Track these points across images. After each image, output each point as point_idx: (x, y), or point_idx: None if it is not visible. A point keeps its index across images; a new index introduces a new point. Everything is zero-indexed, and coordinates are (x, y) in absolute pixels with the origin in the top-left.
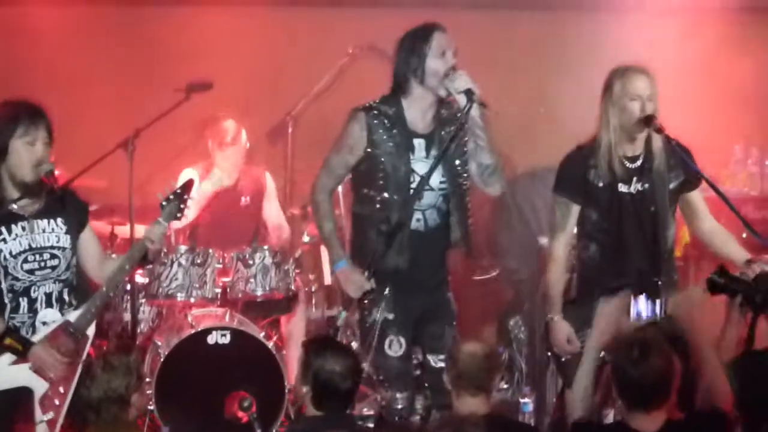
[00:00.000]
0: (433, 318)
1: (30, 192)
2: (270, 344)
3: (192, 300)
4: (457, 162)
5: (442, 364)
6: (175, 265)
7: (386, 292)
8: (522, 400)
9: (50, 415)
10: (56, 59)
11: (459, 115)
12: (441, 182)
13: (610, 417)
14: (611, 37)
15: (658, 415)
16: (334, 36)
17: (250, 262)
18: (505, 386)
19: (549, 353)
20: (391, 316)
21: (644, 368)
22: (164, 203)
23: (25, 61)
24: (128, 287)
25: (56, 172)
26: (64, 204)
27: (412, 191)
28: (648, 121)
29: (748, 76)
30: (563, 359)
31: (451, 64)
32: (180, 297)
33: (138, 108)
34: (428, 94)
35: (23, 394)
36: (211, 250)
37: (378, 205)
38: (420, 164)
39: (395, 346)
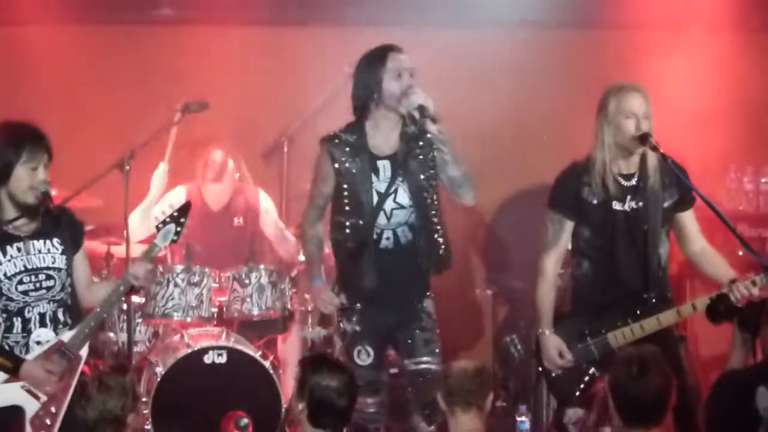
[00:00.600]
0: (405, 326)
1: (30, 213)
2: (266, 363)
3: (188, 320)
4: (422, 177)
5: (418, 367)
6: (171, 285)
7: (357, 306)
8: (518, 419)
9: None
10: (52, 79)
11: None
12: (410, 199)
13: None
14: (605, 56)
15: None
16: (330, 55)
17: (246, 281)
18: (502, 404)
19: (540, 369)
20: (358, 328)
21: (643, 385)
22: (160, 225)
23: (20, 81)
24: (124, 307)
25: (53, 192)
26: (60, 223)
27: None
28: (643, 139)
29: (742, 94)
30: (554, 374)
31: (407, 84)
32: (176, 316)
33: (134, 128)
34: (389, 114)
35: (14, 413)
36: (207, 270)
37: (348, 230)
38: (384, 185)
39: (363, 356)
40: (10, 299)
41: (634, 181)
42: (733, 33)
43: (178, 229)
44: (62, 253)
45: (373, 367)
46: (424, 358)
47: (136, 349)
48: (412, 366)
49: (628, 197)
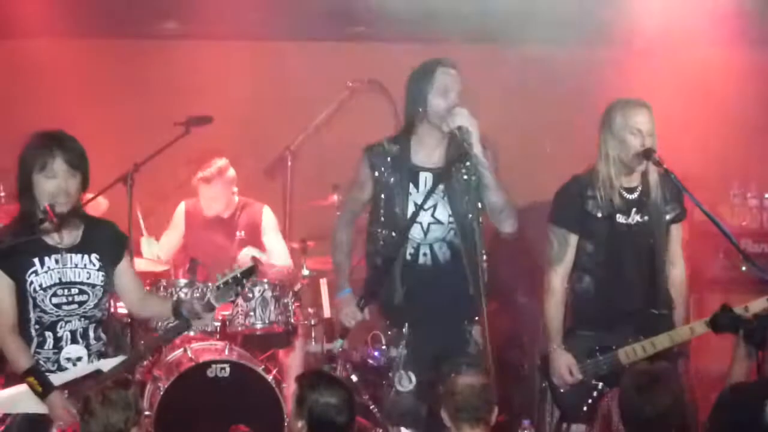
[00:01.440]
0: (450, 356)
1: (64, 223)
2: (270, 378)
3: (192, 333)
4: (465, 197)
5: None
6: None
7: (404, 329)
8: None
9: None
10: (56, 92)
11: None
12: (449, 216)
13: None
14: (610, 70)
15: None
16: (334, 70)
17: (250, 295)
18: (506, 418)
19: (545, 384)
20: (404, 352)
21: (654, 401)
22: (220, 285)
23: (24, 94)
24: (128, 320)
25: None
26: (100, 238)
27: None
28: (647, 154)
29: (746, 110)
30: (562, 390)
31: (453, 102)
32: None
33: (137, 142)
34: (434, 130)
35: (41, 422)
36: (210, 284)
37: (381, 241)
38: (422, 197)
39: (405, 381)
40: (44, 311)
41: (636, 195)
42: (740, 47)
43: (239, 289)
44: (99, 270)
45: (414, 395)
46: None
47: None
48: None
49: (633, 210)
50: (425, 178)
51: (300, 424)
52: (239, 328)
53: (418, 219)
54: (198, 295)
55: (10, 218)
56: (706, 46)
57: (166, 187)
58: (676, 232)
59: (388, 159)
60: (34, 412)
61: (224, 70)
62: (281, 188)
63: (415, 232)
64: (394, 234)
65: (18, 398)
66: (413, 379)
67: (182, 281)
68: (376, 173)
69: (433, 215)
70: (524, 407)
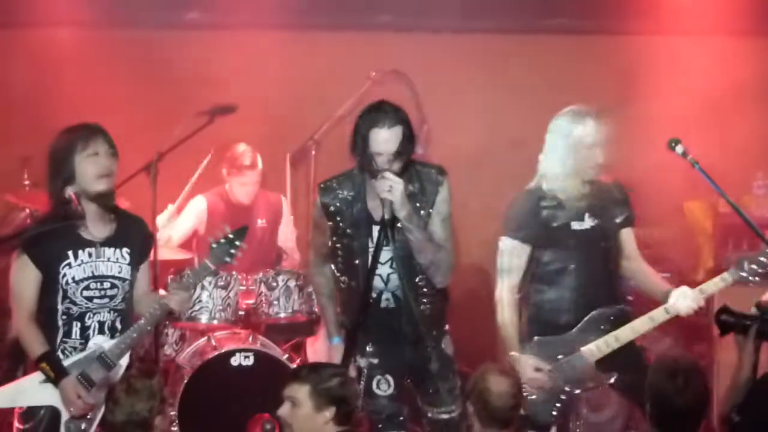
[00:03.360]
0: (424, 375)
1: (105, 204)
2: (293, 366)
3: (215, 322)
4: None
5: (443, 416)
6: (199, 288)
7: (368, 347)
8: None
9: None
10: (78, 81)
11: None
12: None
13: None
14: (635, 61)
15: None
16: (357, 60)
17: (274, 284)
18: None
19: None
20: (375, 360)
21: (687, 397)
22: (214, 245)
23: (46, 84)
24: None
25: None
26: (132, 233)
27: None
28: (673, 144)
29: (759, 98)
30: (531, 398)
31: (380, 167)
32: (203, 320)
33: (161, 131)
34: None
35: (50, 413)
36: (234, 273)
37: (345, 288)
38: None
39: (383, 386)
40: (74, 303)
41: (588, 201)
42: (757, 35)
43: (232, 251)
44: (129, 264)
45: (394, 398)
46: (452, 407)
47: (163, 351)
48: (439, 416)
49: (586, 215)
50: (377, 231)
51: (329, 414)
52: (263, 317)
53: (378, 272)
54: (223, 284)
55: (35, 205)
56: (730, 34)
57: (189, 177)
58: (628, 236)
59: (344, 207)
60: (37, 404)
61: (247, 60)
62: (304, 179)
63: (376, 282)
64: (353, 284)
65: (17, 392)
66: (391, 382)
67: None
68: (331, 223)
69: (391, 266)
70: None
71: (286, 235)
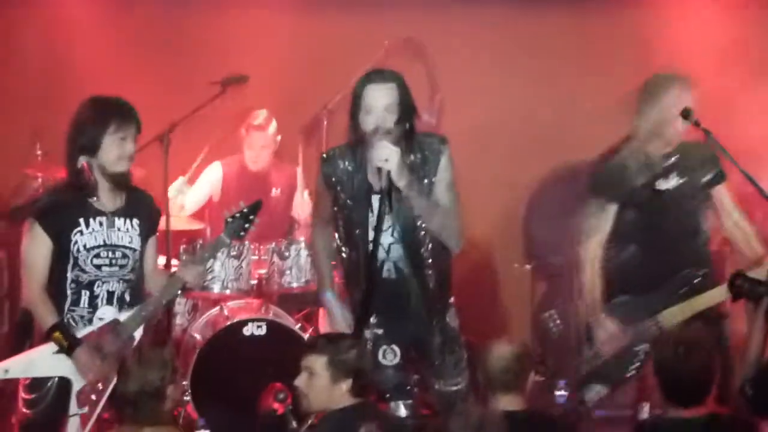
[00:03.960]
0: (429, 348)
1: (120, 182)
2: (306, 336)
3: (228, 292)
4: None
5: (450, 388)
6: (211, 258)
7: (372, 318)
8: (557, 393)
9: (85, 409)
10: (92, 55)
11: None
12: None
13: (645, 410)
14: (649, 35)
15: (700, 409)
16: (370, 29)
17: (286, 254)
18: (541, 379)
19: (592, 352)
20: (380, 332)
21: (690, 366)
22: (229, 220)
23: (61, 57)
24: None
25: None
26: (142, 205)
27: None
28: (685, 114)
29: None
30: (606, 359)
31: (374, 126)
32: (216, 289)
33: (173, 102)
34: None
35: (61, 384)
36: (246, 243)
37: (347, 259)
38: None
39: (390, 355)
40: (83, 271)
41: (674, 159)
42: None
43: (246, 225)
44: (139, 235)
45: (401, 367)
46: (458, 379)
47: (175, 321)
48: (446, 388)
49: (671, 174)
50: (378, 201)
51: (345, 386)
52: (275, 287)
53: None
54: (235, 253)
55: (47, 175)
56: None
57: (202, 148)
58: (722, 193)
59: (345, 178)
60: (49, 375)
61: (260, 30)
62: (317, 149)
63: (379, 254)
64: (354, 254)
65: (29, 363)
66: (398, 352)
67: None
68: (333, 193)
69: (392, 235)
70: (559, 368)
71: (301, 206)
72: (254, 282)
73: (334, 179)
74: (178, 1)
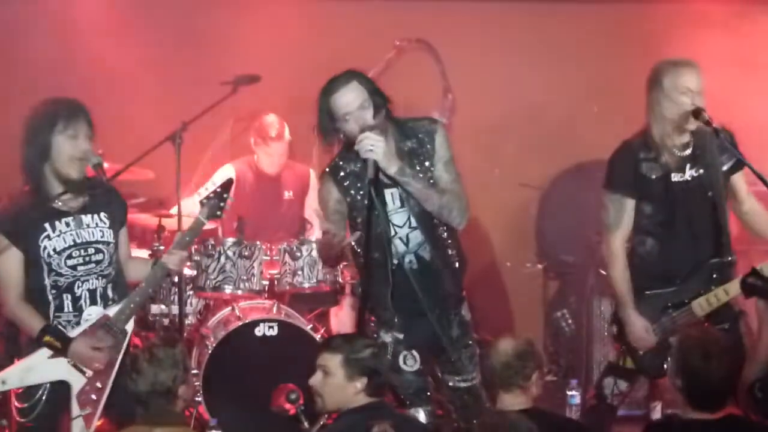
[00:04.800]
0: (448, 343)
1: (74, 188)
2: (317, 337)
3: (239, 292)
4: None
5: (464, 384)
6: (223, 258)
7: (395, 319)
8: (569, 393)
9: (87, 410)
10: (104, 52)
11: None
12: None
13: (657, 409)
14: (653, 27)
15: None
16: (381, 29)
17: (298, 254)
18: (553, 379)
19: (623, 348)
20: (401, 336)
21: (717, 371)
22: (204, 201)
23: (73, 54)
24: (176, 279)
25: (105, 165)
26: (108, 199)
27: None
28: (697, 113)
29: None
30: (641, 352)
31: (355, 129)
32: (227, 289)
33: (185, 101)
34: None
35: (61, 388)
36: (258, 243)
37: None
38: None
39: (410, 361)
40: (60, 275)
41: (690, 150)
42: None
43: (222, 204)
44: (110, 227)
45: (421, 372)
46: (473, 374)
47: (187, 321)
48: (461, 384)
49: (687, 166)
50: (391, 194)
51: (360, 385)
52: (287, 287)
53: (398, 234)
54: (247, 253)
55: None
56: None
57: (214, 147)
58: (739, 181)
59: (354, 178)
60: (46, 381)
61: (272, 29)
62: (330, 148)
63: (398, 246)
64: (377, 255)
65: (26, 371)
66: (417, 357)
67: (230, 240)
68: (349, 198)
69: (410, 226)
70: (571, 367)
71: (313, 207)
72: (266, 282)
73: (346, 183)
74: (189, 0)
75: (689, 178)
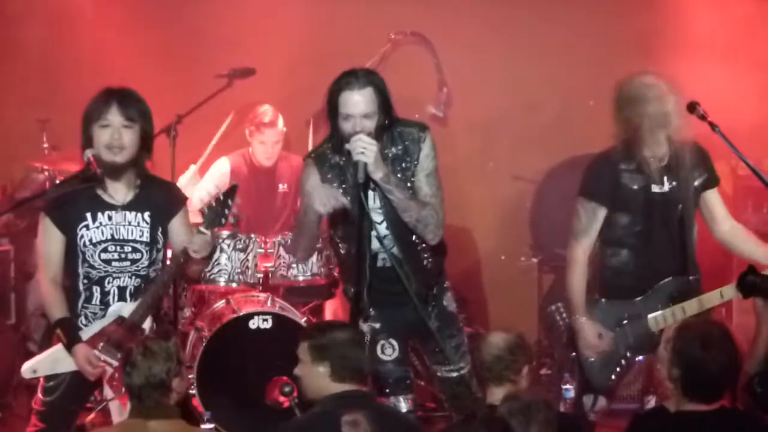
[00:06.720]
0: (427, 334)
1: (112, 172)
2: None
3: (234, 285)
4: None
5: (452, 374)
6: (218, 251)
7: (371, 311)
8: (563, 387)
9: (122, 391)
10: (99, 45)
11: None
12: (386, 228)
13: (651, 403)
14: (650, 19)
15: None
16: (377, 22)
17: None
18: (547, 372)
19: (573, 355)
20: (378, 325)
21: (717, 360)
22: (206, 210)
23: (69, 47)
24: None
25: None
26: (156, 197)
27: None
28: (692, 107)
29: None
30: (590, 361)
31: (352, 130)
32: (222, 282)
33: (180, 94)
34: None
35: (77, 374)
36: (253, 236)
37: (344, 254)
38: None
39: (388, 350)
40: (92, 267)
41: (666, 162)
42: None
43: (226, 211)
44: (152, 228)
45: (400, 361)
46: (460, 364)
47: (182, 314)
48: (449, 374)
49: (665, 178)
50: (372, 196)
51: (323, 368)
52: (281, 280)
53: (373, 233)
54: (241, 246)
55: (54, 168)
56: None
57: (208, 140)
58: (713, 198)
59: (338, 171)
60: (72, 370)
61: (267, 22)
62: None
63: (374, 245)
64: (353, 250)
65: (56, 359)
66: (396, 346)
67: (225, 233)
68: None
69: (386, 227)
70: (565, 361)
71: None
72: (260, 275)
73: (330, 175)
74: None
75: (666, 190)
